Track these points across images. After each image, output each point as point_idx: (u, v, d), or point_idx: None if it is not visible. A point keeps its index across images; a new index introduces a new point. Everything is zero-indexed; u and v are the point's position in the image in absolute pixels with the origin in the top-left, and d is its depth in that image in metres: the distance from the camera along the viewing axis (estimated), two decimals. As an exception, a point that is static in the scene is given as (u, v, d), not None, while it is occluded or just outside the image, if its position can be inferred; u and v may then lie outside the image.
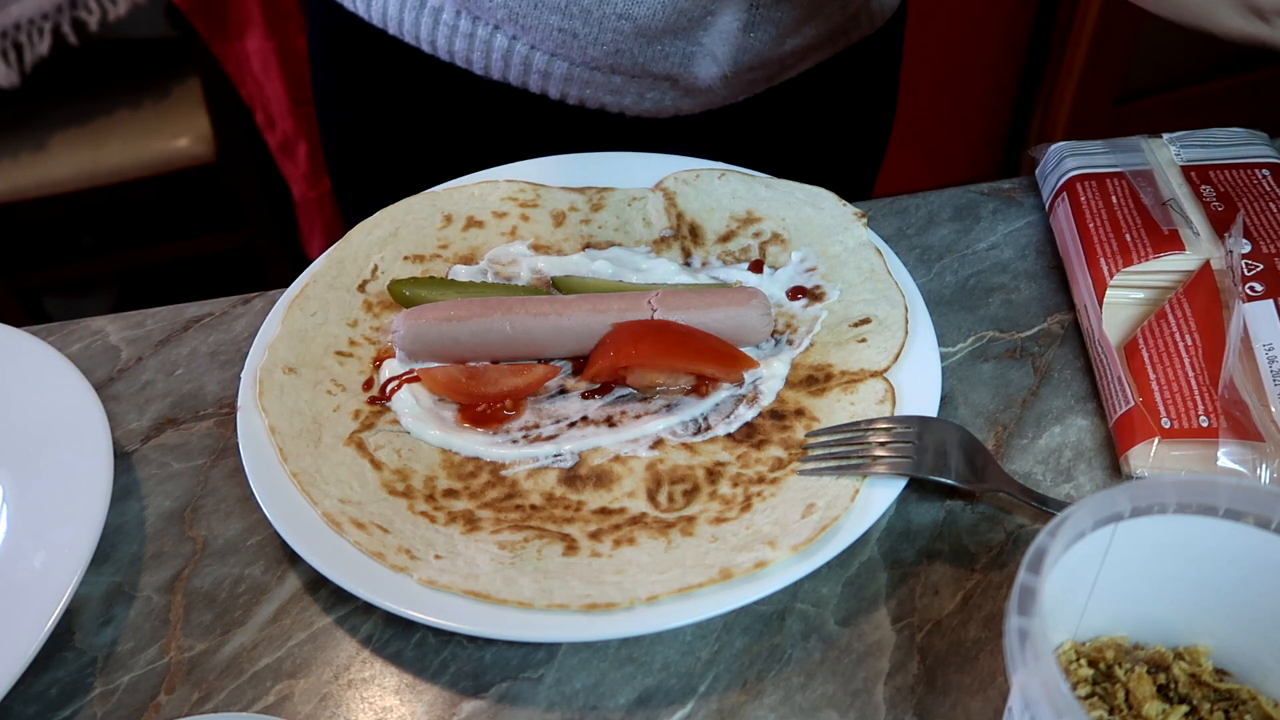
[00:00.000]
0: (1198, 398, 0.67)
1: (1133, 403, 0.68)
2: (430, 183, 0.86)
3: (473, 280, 0.80)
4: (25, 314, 2.11)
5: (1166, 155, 0.85)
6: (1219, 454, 0.65)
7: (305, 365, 0.73)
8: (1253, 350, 0.69)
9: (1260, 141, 0.86)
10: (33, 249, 2.20)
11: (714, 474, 0.67)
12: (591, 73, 0.92)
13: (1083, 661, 0.54)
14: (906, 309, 0.73)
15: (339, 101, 1.07)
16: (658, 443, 0.69)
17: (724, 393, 0.72)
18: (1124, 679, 0.53)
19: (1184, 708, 0.52)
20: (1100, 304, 0.74)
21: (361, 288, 0.79)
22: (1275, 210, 0.78)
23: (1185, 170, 0.83)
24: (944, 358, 0.75)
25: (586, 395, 0.73)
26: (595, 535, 0.64)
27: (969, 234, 0.86)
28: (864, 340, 0.73)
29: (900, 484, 0.63)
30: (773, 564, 0.59)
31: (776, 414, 0.70)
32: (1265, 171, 0.82)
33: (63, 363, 0.73)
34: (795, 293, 0.78)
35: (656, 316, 0.73)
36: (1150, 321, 0.72)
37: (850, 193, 0.84)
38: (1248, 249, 0.74)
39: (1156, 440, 0.66)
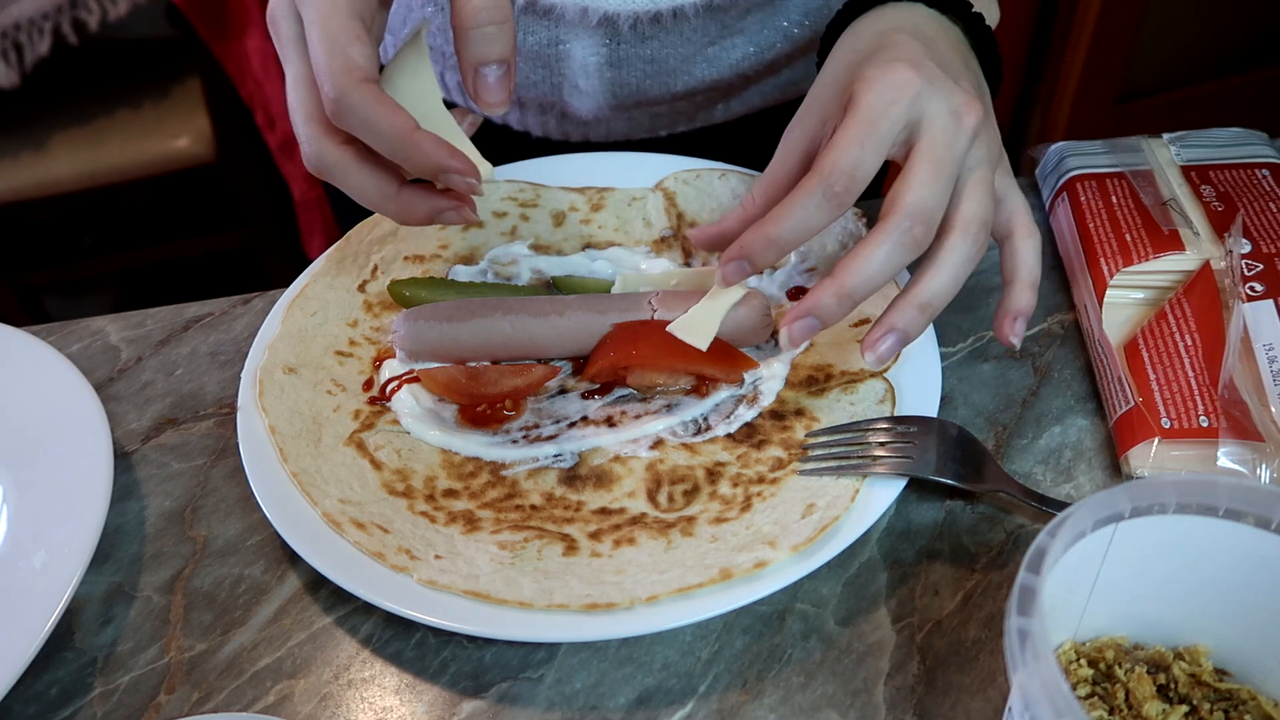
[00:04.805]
0: (1198, 398, 0.67)
1: (1133, 403, 0.68)
2: None
3: (473, 280, 0.80)
4: (25, 314, 2.11)
5: (1166, 155, 0.85)
6: (1219, 454, 0.65)
7: (305, 365, 0.73)
8: (1253, 350, 0.69)
9: (1260, 141, 0.86)
10: (33, 249, 2.21)
11: (714, 474, 0.67)
12: None
13: (1083, 661, 0.54)
14: (906, 309, 0.73)
15: None
16: (658, 443, 0.69)
17: (724, 393, 0.72)
18: (1124, 679, 0.53)
19: (1184, 708, 0.52)
20: (1100, 304, 0.74)
21: (361, 288, 0.79)
22: (1275, 210, 0.78)
23: (1185, 170, 0.83)
24: (944, 358, 0.75)
25: (586, 395, 0.73)
26: (595, 535, 0.63)
27: (969, 234, 0.86)
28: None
29: (900, 484, 0.63)
30: (773, 564, 0.59)
31: (776, 414, 0.70)
32: (1265, 171, 0.82)
33: (63, 363, 0.73)
34: (795, 293, 0.78)
35: (656, 316, 0.73)
36: (1150, 321, 0.72)
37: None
38: (1248, 249, 0.74)
39: (1156, 440, 0.66)
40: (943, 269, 0.61)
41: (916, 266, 0.62)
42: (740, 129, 0.99)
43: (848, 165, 0.59)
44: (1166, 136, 0.87)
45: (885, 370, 0.70)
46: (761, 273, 0.63)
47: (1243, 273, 0.73)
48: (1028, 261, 0.65)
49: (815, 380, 0.72)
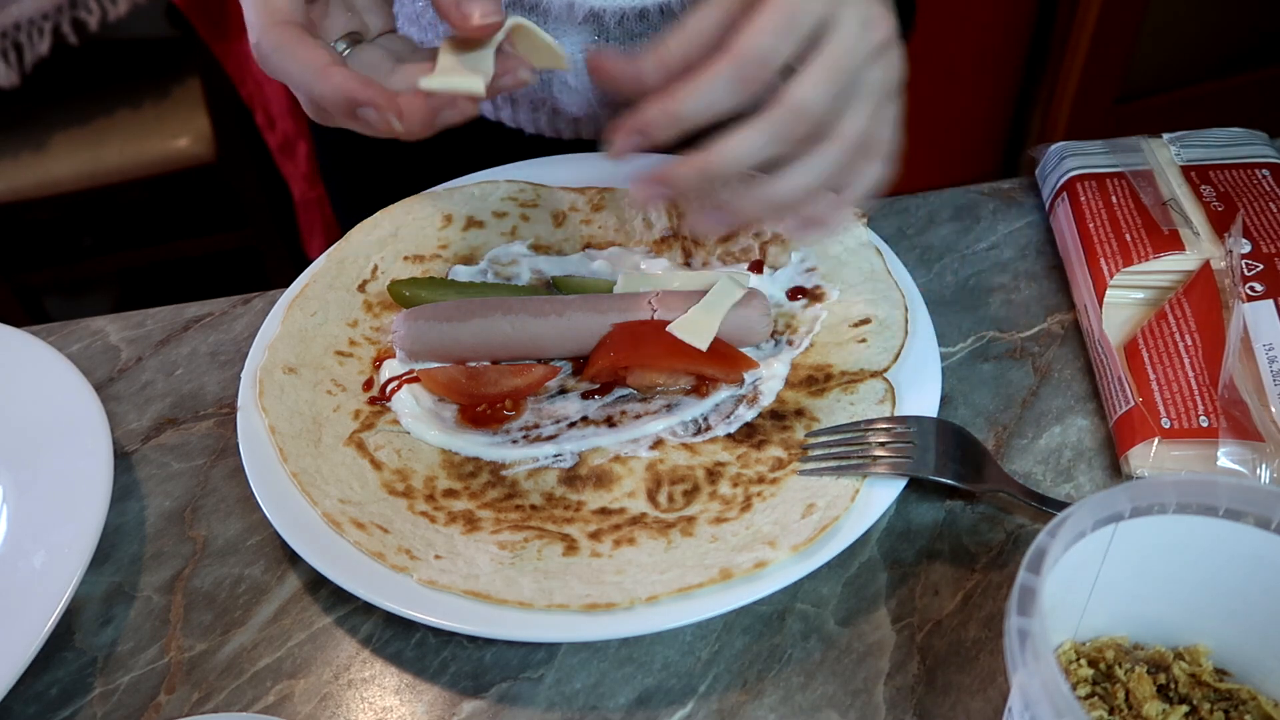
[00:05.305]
0: (1198, 398, 0.67)
1: (1133, 403, 0.68)
2: (420, 187, 0.86)
3: (473, 280, 0.80)
4: (25, 314, 2.11)
5: (1166, 155, 0.85)
6: (1219, 454, 0.65)
7: (305, 365, 0.73)
8: (1253, 350, 0.69)
9: (1260, 141, 0.86)
10: (33, 249, 2.21)
11: (714, 474, 0.67)
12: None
13: (1083, 661, 0.54)
14: (906, 309, 0.73)
15: None
16: (658, 443, 0.69)
17: (724, 393, 0.72)
18: (1124, 679, 0.53)
19: (1184, 708, 0.52)
20: (1100, 304, 0.74)
21: (361, 288, 0.80)
22: (1275, 210, 0.78)
23: (1185, 170, 0.83)
24: (944, 358, 0.75)
25: (586, 395, 0.73)
26: (595, 535, 0.64)
27: (969, 234, 0.86)
28: (864, 340, 0.73)
29: (900, 484, 0.63)
30: (773, 564, 0.59)
31: (776, 414, 0.70)
32: (1265, 171, 0.82)
33: (63, 363, 0.73)
34: (795, 293, 0.78)
35: (656, 316, 0.73)
36: (1150, 321, 0.72)
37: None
38: (1248, 249, 0.74)
39: (1156, 440, 0.66)
40: (799, 174, 0.60)
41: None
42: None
43: (762, 53, 0.58)
44: (1166, 136, 0.87)
45: (885, 370, 0.70)
46: (658, 151, 0.62)
47: (1243, 273, 0.73)
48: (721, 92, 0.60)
49: (815, 380, 0.72)
